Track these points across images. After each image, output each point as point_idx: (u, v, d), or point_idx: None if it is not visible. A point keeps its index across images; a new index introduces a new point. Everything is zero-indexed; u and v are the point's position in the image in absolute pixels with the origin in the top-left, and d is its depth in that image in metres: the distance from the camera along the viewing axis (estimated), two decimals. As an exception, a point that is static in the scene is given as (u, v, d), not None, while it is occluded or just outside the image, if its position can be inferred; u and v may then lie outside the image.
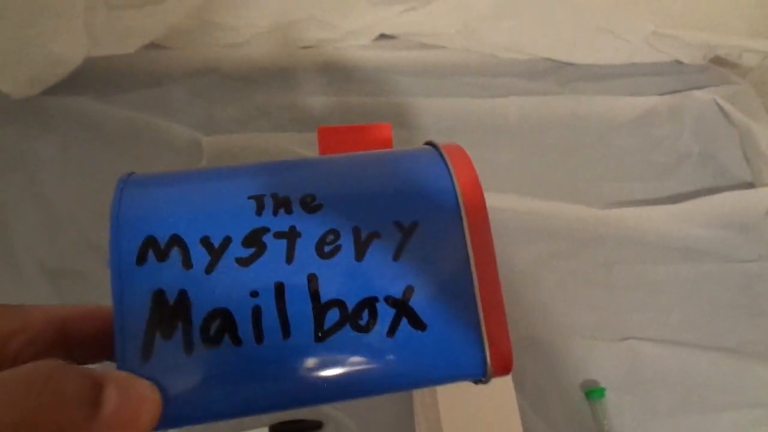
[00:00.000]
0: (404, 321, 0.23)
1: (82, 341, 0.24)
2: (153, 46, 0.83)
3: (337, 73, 0.87)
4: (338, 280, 0.23)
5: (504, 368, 0.25)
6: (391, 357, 0.23)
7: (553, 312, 0.72)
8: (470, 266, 0.24)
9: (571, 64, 0.93)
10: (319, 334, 0.22)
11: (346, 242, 0.24)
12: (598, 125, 0.88)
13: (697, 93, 0.90)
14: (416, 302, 0.23)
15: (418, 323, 0.23)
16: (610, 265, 0.77)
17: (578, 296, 0.74)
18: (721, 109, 0.90)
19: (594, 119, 0.88)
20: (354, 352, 0.23)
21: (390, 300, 0.23)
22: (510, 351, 0.25)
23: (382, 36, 0.90)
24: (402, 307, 0.23)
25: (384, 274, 0.24)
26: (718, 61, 0.98)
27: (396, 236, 0.24)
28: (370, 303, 0.23)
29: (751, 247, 0.79)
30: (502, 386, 0.62)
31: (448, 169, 0.27)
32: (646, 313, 0.73)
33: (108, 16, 0.78)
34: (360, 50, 0.89)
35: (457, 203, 0.25)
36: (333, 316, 0.23)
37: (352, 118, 0.84)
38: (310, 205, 0.24)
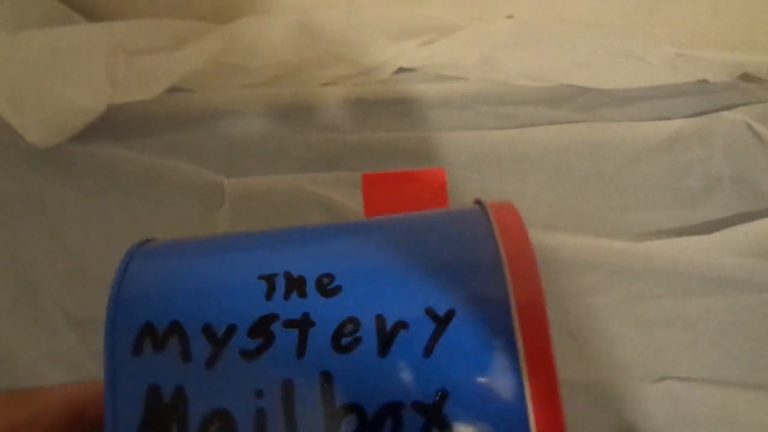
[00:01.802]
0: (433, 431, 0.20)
1: (99, 421, 0.22)
2: (172, 89, 0.83)
3: (359, 108, 0.87)
4: (357, 380, 0.20)
5: None
6: None
7: (583, 350, 0.70)
8: (519, 366, 0.20)
9: (592, 90, 0.91)
10: None
11: (368, 334, 0.20)
12: (623, 152, 0.85)
13: (726, 114, 0.88)
14: (451, 410, 0.20)
15: None
16: (642, 300, 0.74)
17: (609, 333, 0.72)
18: (753, 129, 0.87)
19: (619, 145, 0.86)
20: None
21: (418, 407, 0.20)
22: None
23: (401, 70, 0.90)
24: (434, 416, 0.20)
25: (412, 375, 0.20)
26: (747, 78, 0.95)
27: (429, 327, 0.20)
28: (394, 410, 0.19)
29: (791, 276, 0.76)
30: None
31: (495, 240, 0.23)
32: (682, 350, 0.71)
33: (128, 62, 0.79)
34: (381, 84, 0.88)
35: (505, 285, 0.21)
36: (349, 425, 0.19)
37: (375, 153, 0.83)
38: (327, 288, 0.21)
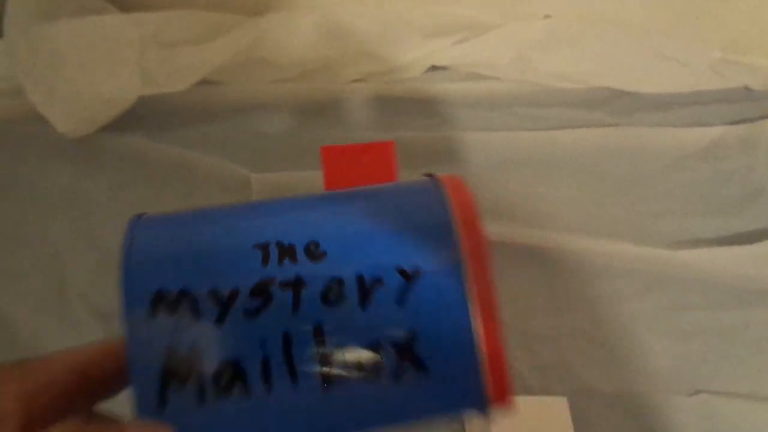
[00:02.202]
0: (407, 365, 0.24)
1: (103, 380, 0.26)
2: (203, 82, 0.83)
3: (388, 106, 0.86)
4: (343, 328, 0.24)
5: (503, 401, 0.26)
6: (395, 399, 0.24)
7: (615, 360, 0.68)
8: (469, 310, 0.25)
9: (630, 93, 0.89)
10: (325, 384, 0.24)
11: (350, 290, 0.24)
12: (660, 158, 0.83)
13: (768, 121, 0.85)
14: (419, 347, 0.25)
15: (420, 367, 0.25)
16: (678, 310, 0.72)
17: (643, 342, 0.70)
18: (796, 138, 0.84)
19: (656, 151, 0.83)
20: (359, 397, 0.24)
21: (394, 346, 0.24)
22: (509, 386, 0.26)
23: (434, 67, 0.88)
24: (405, 353, 0.24)
25: (388, 321, 0.25)
26: (791, 86, 0.92)
27: (399, 283, 0.25)
28: (374, 350, 0.24)
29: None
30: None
31: (447, 207, 0.27)
32: (718, 362, 0.68)
33: (160, 54, 0.78)
34: (411, 83, 0.87)
35: (456, 245, 0.26)
36: (338, 365, 0.24)
37: (405, 153, 0.82)
38: (314, 253, 0.25)
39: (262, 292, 0.24)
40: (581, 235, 0.77)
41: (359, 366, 0.24)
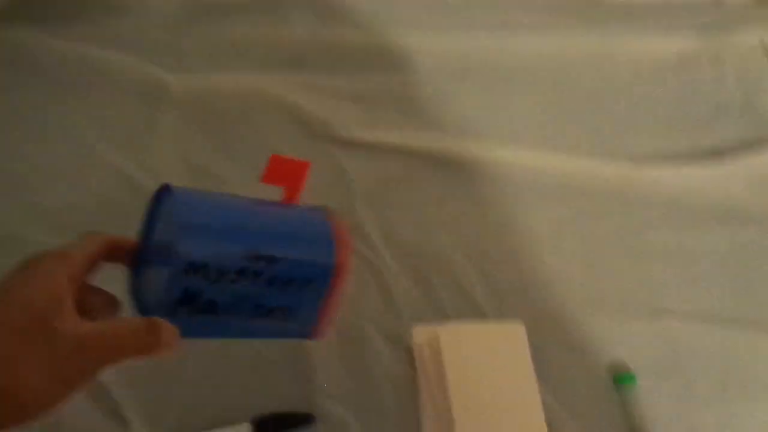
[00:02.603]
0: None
1: (115, 259, 0.37)
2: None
3: (331, 4, 0.75)
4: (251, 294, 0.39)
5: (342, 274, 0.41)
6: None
7: (575, 284, 0.63)
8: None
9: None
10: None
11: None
12: (627, 68, 0.77)
13: (740, 35, 0.79)
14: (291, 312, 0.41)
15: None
16: (640, 231, 0.67)
17: (604, 266, 0.65)
18: None
19: (623, 62, 0.77)
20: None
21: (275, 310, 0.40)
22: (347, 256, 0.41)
23: (381, -40, 0.78)
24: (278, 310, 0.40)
25: (280, 289, 0.40)
26: (764, 1, 0.86)
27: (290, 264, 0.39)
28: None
29: (799, 209, 0.70)
30: (522, 371, 0.54)
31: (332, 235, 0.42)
32: (680, 285, 0.64)
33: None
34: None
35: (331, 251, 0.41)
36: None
37: (346, 57, 0.73)
38: (258, 257, 0.38)
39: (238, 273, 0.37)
40: (539, 151, 0.70)
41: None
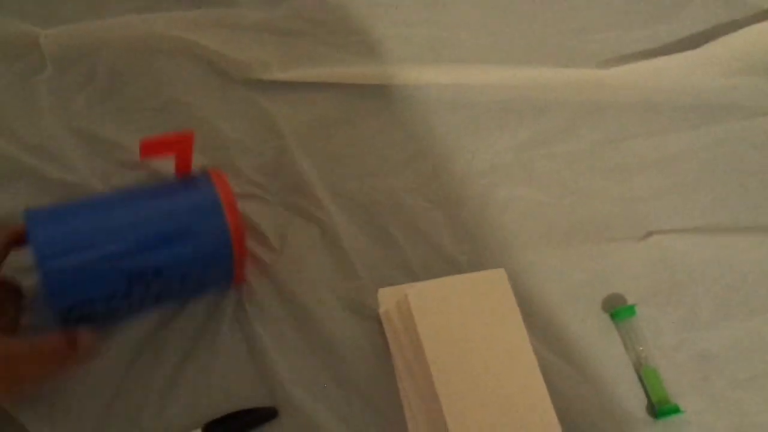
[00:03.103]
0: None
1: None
2: None
3: None
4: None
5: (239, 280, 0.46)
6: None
7: (553, 213, 0.55)
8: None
9: None
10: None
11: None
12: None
13: None
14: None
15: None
16: (615, 143, 0.60)
17: (581, 188, 0.57)
18: None
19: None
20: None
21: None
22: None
23: None
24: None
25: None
26: None
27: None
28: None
29: (782, 94, 0.63)
30: (508, 322, 0.46)
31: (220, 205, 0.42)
32: (667, 197, 0.57)
33: None
34: None
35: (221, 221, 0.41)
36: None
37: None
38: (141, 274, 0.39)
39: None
40: (495, 66, 0.61)
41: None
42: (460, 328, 0.45)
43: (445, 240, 0.52)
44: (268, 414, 0.45)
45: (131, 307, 0.42)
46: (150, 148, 0.40)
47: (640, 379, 0.49)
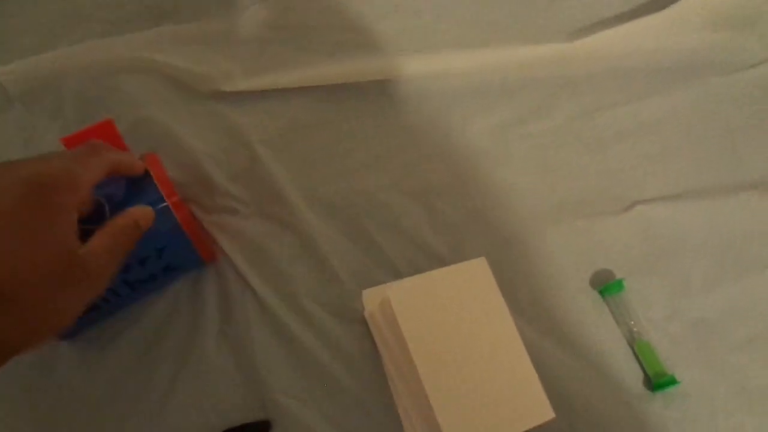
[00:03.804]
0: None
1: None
2: None
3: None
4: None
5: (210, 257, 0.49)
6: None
7: (532, 193, 0.54)
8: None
9: None
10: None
11: None
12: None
13: None
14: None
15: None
16: (591, 114, 0.59)
17: (561, 164, 0.56)
18: None
19: None
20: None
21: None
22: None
23: None
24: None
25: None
26: None
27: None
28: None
29: (761, 45, 0.61)
30: (492, 310, 0.46)
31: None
32: (648, 165, 0.56)
33: None
34: None
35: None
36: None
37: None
38: None
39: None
40: (462, 51, 0.59)
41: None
42: (444, 322, 0.45)
43: (426, 233, 0.52)
44: (262, 427, 0.45)
45: (107, 299, 0.44)
46: (72, 143, 0.40)
47: (635, 354, 0.48)
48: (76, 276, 0.30)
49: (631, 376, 0.48)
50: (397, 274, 0.50)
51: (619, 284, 0.49)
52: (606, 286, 0.50)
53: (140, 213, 0.37)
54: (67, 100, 0.56)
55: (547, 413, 0.42)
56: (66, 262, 0.30)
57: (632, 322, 0.49)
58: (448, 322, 0.44)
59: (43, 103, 0.55)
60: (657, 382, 0.47)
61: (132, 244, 0.36)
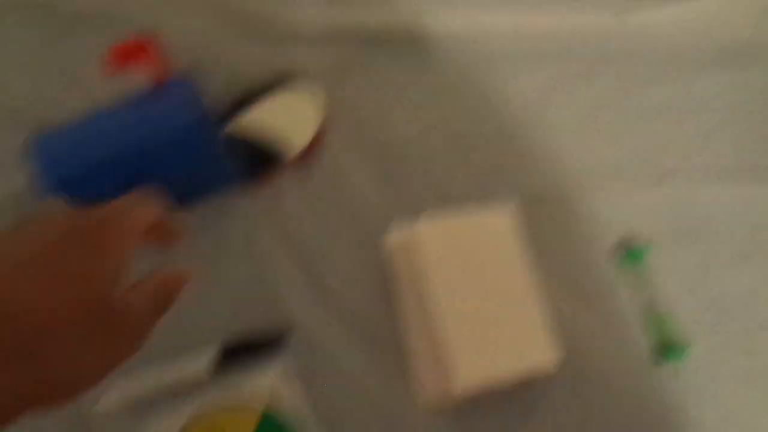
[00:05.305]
0: None
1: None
2: None
3: None
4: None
5: None
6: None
7: (568, 155, 0.55)
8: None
9: None
10: None
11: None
12: None
13: None
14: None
15: None
16: (636, 88, 0.59)
17: (598, 131, 0.56)
18: None
19: None
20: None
21: None
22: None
23: None
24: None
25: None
26: None
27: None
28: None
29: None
30: (513, 259, 0.46)
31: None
32: (686, 143, 0.56)
33: None
34: None
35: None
36: None
37: None
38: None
39: None
40: (513, 14, 0.60)
41: None
42: (466, 263, 0.45)
43: (458, 183, 0.52)
44: (279, 339, 0.47)
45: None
46: (119, 53, 0.42)
47: (650, 322, 0.49)
48: (111, 327, 0.26)
49: (644, 342, 0.48)
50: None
51: (644, 252, 0.50)
52: (631, 252, 0.50)
53: (180, 272, 0.32)
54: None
55: (549, 363, 0.43)
56: (100, 310, 0.26)
57: (651, 291, 0.49)
58: (469, 263, 0.45)
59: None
60: (667, 352, 0.47)
61: (172, 301, 0.31)
